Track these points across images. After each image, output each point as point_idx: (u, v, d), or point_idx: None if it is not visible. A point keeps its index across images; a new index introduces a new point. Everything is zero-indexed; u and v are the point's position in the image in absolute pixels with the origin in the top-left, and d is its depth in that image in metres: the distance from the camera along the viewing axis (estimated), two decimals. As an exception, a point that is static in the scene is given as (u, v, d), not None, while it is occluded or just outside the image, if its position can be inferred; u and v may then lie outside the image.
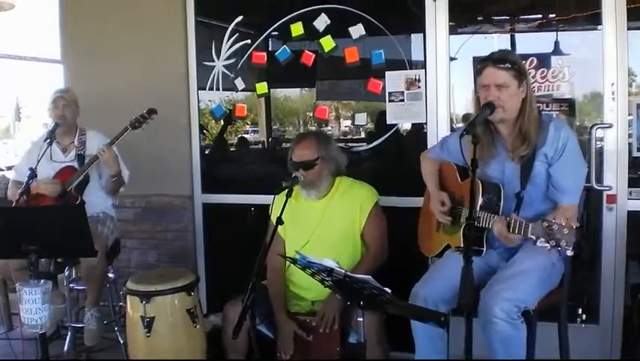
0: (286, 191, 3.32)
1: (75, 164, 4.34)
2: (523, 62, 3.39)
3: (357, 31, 4.34)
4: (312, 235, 3.67)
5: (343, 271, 2.56)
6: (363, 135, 4.75)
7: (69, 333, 4.41)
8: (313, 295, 3.69)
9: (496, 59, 3.10)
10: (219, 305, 3.76)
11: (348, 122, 4.89)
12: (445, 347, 3.33)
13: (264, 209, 3.79)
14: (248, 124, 5.09)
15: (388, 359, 3.53)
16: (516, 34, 4.22)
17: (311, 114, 4.77)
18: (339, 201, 3.70)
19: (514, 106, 3.08)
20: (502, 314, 2.91)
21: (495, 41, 4.23)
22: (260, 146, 5.17)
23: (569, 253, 2.57)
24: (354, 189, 3.74)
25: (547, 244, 2.59)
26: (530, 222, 2.77)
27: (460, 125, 4.23)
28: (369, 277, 2.51)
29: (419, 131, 4.36)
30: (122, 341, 4.36)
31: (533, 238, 2.68)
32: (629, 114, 3.92)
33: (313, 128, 4.75)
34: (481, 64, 3.13)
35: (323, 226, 3.68)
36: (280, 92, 4.96)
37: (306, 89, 4.93)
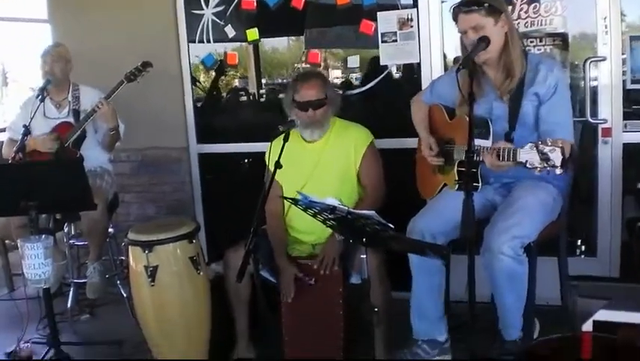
0: (283, 136, 3.30)
1: (71, 119, 4.33)
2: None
3: (347, -29, 4.30)
4: (310, 178, 3.67)
5: (346, 208, 2.56)
6: (355, 81, 4.71)
7: (72, 289, 4.45)
8: (313, 239, 3.71)
9: (464, 3, 3.08)
10: (220, 254, 3.78)
11: (339, 73, 4.85)
12: (443, 281, 3.38)
13: (259, 156, 3.81)
14: (237, 75, 5.06)
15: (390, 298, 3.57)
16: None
17: (299, 65, 4.74)
18: (334, 143, 3.68)
19: (495, 44, 3.06)
20: (509, 251, 2.94)
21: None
22: (251, 97, 5.12)
23: (558, 171, 2.55)
24: (348, 130, 3.72)
25: (538, 165, 2.59)
26: (519, 148, 2.74)
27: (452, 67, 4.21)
28: (373, 212, 2.50)
29: (411, 73, 4.38)
30: (125, 295, 4.41)
31: (523, 161, 2.65)
32: (623, 51, 3.90)
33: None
34: (453, 13, 3.14)
35: (320, 168, 3.67)
36: (267, 44, 4.89)
37: (294, 38, 4.88)
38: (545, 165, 2.55)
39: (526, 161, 2.63)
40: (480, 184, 3.15)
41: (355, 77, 4.68)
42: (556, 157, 2.54)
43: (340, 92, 4.41)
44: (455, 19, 3.11)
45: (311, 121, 3.55)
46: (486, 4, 3.01)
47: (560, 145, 2.54)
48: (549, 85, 3.08)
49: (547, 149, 2.54)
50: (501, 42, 3.08)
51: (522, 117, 3.14)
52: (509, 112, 3.16)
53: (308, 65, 4.66)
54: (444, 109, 3.46)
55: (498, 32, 3.05)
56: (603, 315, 2.28)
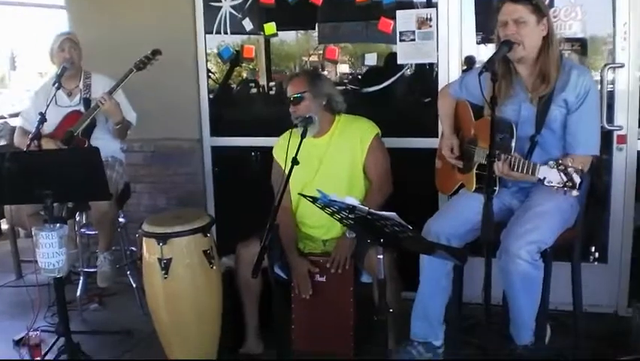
0: (301, 132, 3.31)
1: (81, 108, 4.30)
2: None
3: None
4: (317, 173, 3.69)
5: (366, 208, 2.55)
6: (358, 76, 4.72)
7: (81, 278, 4.45)
8: (323, 233, 3.75)
9: None
10: (230, 248, 3.79)
11: (346, 67, 4.83)
12: (449, 285, 3.41)
13: (269, 151, 3.82)
14: (249, 67, 5.04)
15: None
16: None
17: (307, 59, 4.76)
18: (339, 138, 3.70)
19: (533, 43, 3.06)
20: (526, 255, 2.95)
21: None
22: (261, 90, 5.10)
23: (575, 193, 2.58)
24: (353, 124, 3.74)
25: (556, 185, 2.59)
26: (540, 163, 2.75)
27: (464, 68, 4.20)
28: (394, 213, 2.49)
29: (425, 72, 4.38)
30: (134, 285, 4.42)
31: (541, 178, 2.66)
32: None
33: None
34: (499, 2, 3.11)
35: (326, 164, 3.69)
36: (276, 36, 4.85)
37: (302, 32, 4.89)
38: (564, 186, 2.57)
39: (545, 178, 2.64)
40: (497, 188, 3.15)
41: (360, 72, 4.68)
42: (576, 179, 2.55)
43: (355, 88, 4.43)
44: (499, 9, 3.10)
45: (295, 116, 3.59)
46: (533, 2, 3.02)
47: (581, 168, 2.57)
48: (579, 93, 3.06)
49: (570, 170, 2.56)
50: (538, 43, 3.07)
51: (549, 122, 3.13)
52: (537, 115, 3.15)
53: (320, 60, 4.67)
54: (470, 107, 3.44)
55: (537, 33, 3.05)
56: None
